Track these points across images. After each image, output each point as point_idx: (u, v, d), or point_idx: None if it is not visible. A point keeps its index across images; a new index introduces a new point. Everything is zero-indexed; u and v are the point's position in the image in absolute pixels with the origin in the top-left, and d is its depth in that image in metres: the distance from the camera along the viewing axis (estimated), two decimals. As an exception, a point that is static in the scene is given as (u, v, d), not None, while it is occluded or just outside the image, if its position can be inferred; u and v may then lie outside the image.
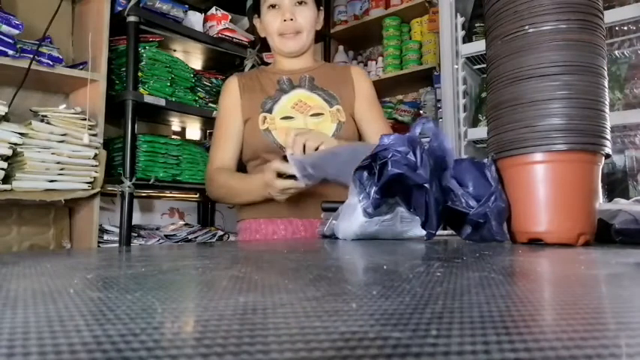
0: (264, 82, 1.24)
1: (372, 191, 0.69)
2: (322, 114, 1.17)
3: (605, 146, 0.62)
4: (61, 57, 1.58)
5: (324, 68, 1.29)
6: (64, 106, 1.75)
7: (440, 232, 0.72)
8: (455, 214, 0.68)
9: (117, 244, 1.71)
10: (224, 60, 2.17)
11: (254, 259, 0.49)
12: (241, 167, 1.26)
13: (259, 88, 1.23)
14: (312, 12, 1.21)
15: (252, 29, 2.20)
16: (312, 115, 1.17)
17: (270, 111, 1.18)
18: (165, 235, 1.91)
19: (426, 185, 0.64)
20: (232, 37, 2.07)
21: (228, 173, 1.19)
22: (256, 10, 1.26)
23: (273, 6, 1.19)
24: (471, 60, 1.88)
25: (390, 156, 0.66)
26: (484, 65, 1.79)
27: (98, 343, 0.15)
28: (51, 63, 1.54)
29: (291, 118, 1.17)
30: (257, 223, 1.17)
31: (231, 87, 1.25)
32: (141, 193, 2.06)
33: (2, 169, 1.38)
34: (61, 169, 1.51)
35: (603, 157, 0.63)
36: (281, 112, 1.18)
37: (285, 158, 0.98)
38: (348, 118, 1.20)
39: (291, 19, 1.18)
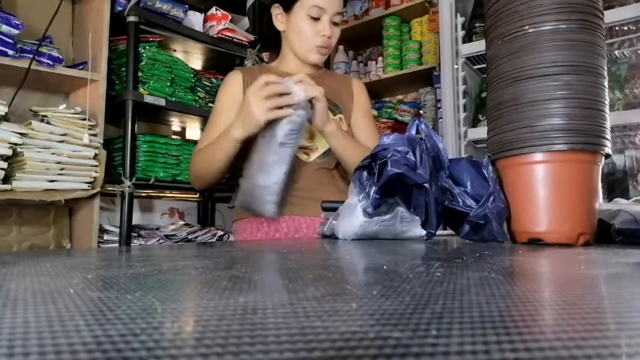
0: None
1: (372, 191, 0.69)
2: None
3: (605, 146, 0.62)
4: (61, 57, 1.59)
5: (326, 76, 1.30)
6: (64, 106, 1.75)
7: (440, 232, 0.72)
8: (453, 214, 0.68)
9: (117, 244, 1.71)
10: (224, 60, 2.17)
11: (254, 259, 0.49)
12: (234, 170, 1.24)
13: None
14: (339, 32, 1.25)
15: (252, 29, 2.20)
16: None
17: None
18: (166, 235, 1.91)
19: (425, 185, 0.64)
20: (232, 37, 2.07)
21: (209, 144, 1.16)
22: (282, 2, 1.23)
23: (314, 18, 1.19)
24: (471, 60, 1.88)
25: (389, 156, 0.66)
26: (484, 65, 1.79)
27: (98, 343, 0.15)
28: (51, 63, 1.54)
29: None
30: (258, 222, 1.17)
31: (235, 82, 1.25)
32: (141, 193, 2.06)
33: (2, 169, 1.38)
34: (61, 169, 1.51)
35: (603, 157, 0.63)
36: None
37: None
38: (348, 128, 1.22)
39: (329, 37, 1.21)
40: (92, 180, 1.58)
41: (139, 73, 1.75)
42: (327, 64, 2.84)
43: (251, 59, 2.13)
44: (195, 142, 2.10)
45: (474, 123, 1.86)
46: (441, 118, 1.93)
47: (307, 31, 1.20)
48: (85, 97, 1.62)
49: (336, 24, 1.22)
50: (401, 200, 0.70)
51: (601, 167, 0.63)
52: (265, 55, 2.20)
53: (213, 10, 2.04)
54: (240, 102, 1.22)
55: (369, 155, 0.70)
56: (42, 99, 1.75)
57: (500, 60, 0.66)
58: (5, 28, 1.43)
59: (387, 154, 0.66)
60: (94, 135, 1.60)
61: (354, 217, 0.72)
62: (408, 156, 0.66)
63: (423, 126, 0.73)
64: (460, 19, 1.86)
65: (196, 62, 2.21)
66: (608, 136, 0.63)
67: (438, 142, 0.72)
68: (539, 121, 0.61)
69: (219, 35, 2.02)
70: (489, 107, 0.69)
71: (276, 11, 1.25)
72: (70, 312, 0.20)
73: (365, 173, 0.72)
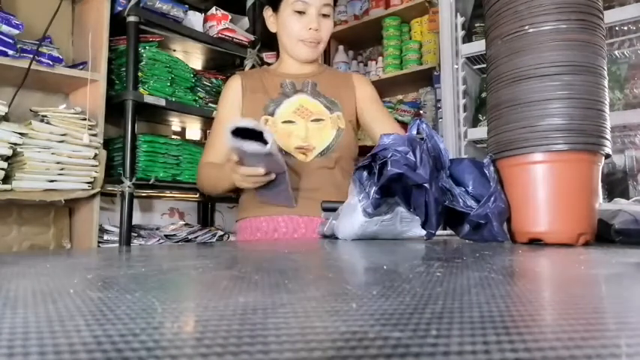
0: (267, 84, 1.25)
1: (372, 191, 0.69)
2: (323, 120, 1.20)
3: (605, 146, 0.62)
4: (61, 57, 1.58)
5: (327, 74, 1.31)
6: (64, 106, 1.75)
7: (440, 232, 0.72)
8: (453, 214, 0.68)
9: (117, 244, 1.71)
10: (224, 60, 2.17)
11: (254, 259, 0.49)
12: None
13: (262, 90, 1.24)
14: (332, 24, 1.24)
15: (252, 29, 2.20)
16: (313, 121, 1.20)
17: (272, 114, 1.19)
18: (166, 235, 1.91)
19: (425, 185, 0.64)
20: (232, 37, 2.07)
21: (214, 164, 1.21)
22: (271, 3, 1.24)
23: (299, 12, 1.19)
24: (471, 60, 1.88)
25: (389, 156, 0.66)
26: (484, 65, 1.79)
27: (98, 343, 0.15)
28: (51, 63, 1.54)
29: (292, 122, 1.18)
30: (257, 221, 1.18)
31: (234, 86, 1.27)
32: (141, 193, 2.06)
33: (2, 169, 1.38)
34: (61, 169, 1.51)
35: (603, 157, 0.63)
36: (283, 116, 1.19)
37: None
38: (347, 125, 1.22)
39: (316, 30, 1.19)
40: (92, 180, 1.58)
41: (139, 73, 1.75)
42: (328, 64, 2.84)
43: (251, 59, 2.13)
44: (195, 142, 2.11)
45: (474, 123, 1.86)
46: (441, 118, 1.93)
47: (294, 27, 1.20)
48: (85, 97, 1.62)
49: (325, 16, 1.20)
50: (401, 200, 0.70)
51: (601, 167, 0.63)
52: (265, 55, 2.21)
53: (213, 10, 2.04)
54: (240, 107, 1.23)
55: (369, 155, 0.70)
56: (42, 99, 1.75)
57: (500, 60, 0.66)
58: (5, 28, 1.42)
59: (387, 154, 0.66)
60: (94, 135, 1.60)
61: (354, 217, 0.72)
62: (408, 156, 0.66)
63: (424, 126, 0.73)
64: (460, 19, 1.86)
65: (196, 62, 2.21)
66: (608, 136, 0.63)
67: (439, 143, 0.72)
68: (539, 121, 0.61)
69: (219, 35, 2.02)
70: (489, 107, 0.69)
71: (268, 13, 1.26)
72: (70, 312, 0.20)
73: (365, 173, 0.72)
